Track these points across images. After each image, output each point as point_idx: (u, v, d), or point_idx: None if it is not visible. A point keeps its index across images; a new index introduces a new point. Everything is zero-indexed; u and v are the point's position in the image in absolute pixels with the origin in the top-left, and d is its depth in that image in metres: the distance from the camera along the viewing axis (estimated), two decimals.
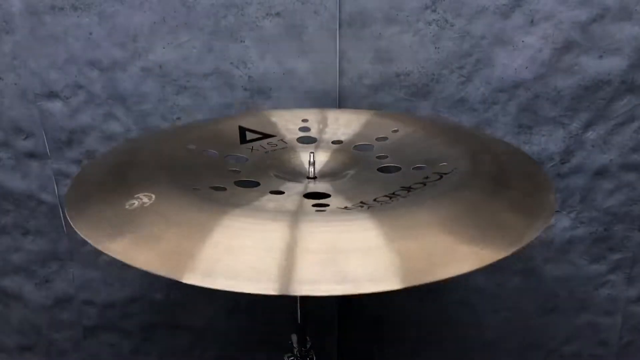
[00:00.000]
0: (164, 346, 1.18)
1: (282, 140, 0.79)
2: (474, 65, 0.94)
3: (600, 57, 0.93)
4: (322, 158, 0.75)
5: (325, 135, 0.81)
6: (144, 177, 0.61)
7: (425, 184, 0.62)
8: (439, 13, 0.91)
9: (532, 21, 0.91)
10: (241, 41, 0.94)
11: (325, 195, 0.62)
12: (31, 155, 1.03)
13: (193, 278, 0.46)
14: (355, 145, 0.78)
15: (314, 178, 0.70)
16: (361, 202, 0.58)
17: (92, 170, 0.68)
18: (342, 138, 0.80)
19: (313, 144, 0.79)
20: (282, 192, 0.63)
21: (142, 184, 0.59)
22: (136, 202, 0.55)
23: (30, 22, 0.93)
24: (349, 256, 0.47)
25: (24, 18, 0.92)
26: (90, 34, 0.93)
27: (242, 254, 0.48)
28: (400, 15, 0.92)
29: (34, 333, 1.19)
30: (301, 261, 0.47)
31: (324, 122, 0.83)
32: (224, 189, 0.62)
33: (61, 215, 1.07)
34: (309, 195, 0.62)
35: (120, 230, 0.52)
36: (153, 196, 0.56)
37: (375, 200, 0.59)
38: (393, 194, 0.60)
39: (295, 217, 0.53)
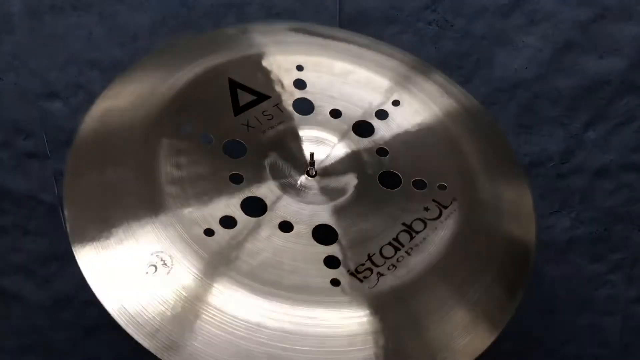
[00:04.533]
0: None
1: (277, 107, 0.73)
2: (474, 65, 0.94)
3: (600, 57, 0.93)
4: (319, 154, 0.73)
5: (322, 100, 0.75)
6: (148, 221, 0.60)
7: (426, 225, 0.64)
8: (439, 13, 0.91)
9: (532, 21, 0.91)
10: None
11: (332, 233, 0.63)
12: (31, 155, 1.03)
13: None
14: (355, 123, 0.74)
15: (314, 175, 0.70)
16: (369, 260, 0.60)
17: (81, 195, 0.63)
18: (340, 107, 0.75)
19: (312, 115, 0.75)
20: (291, 228, 0.63)
21: (151, 235, 0.58)
22: (156, 264, 0.56)
23: (30, 22, 0.93)
24: None
25: (24, 18, 0.92)
26: (90, 34, 0.93)
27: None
28: (400, 15, 0.92)
29: (34, 333, 1.19)
30: None
31: (319, 72, 0.77)
32: (235, 222, 0.62)
33: (61, 215, 1.07)
34: (317, 232, 0.63)
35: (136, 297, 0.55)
36: (171, 260, 0.56)
37: (381, 254, 0.61)
38: (397, 240, 0.63)
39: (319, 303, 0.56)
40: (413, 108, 0.75)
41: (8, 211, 1.07)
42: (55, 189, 1.05)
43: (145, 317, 0.53)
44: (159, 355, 0.51)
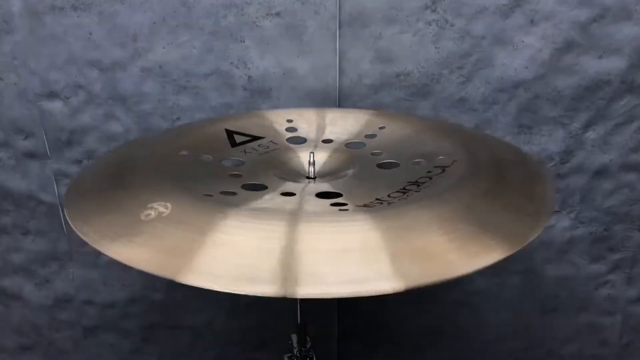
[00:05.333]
0: (164, 346, 1.18)
1: (272, 141, 0.78)
2: (474, 65, 0.94)
3: (600, 57, 0.93)
4: (318, 157, 0.74)
5: (313, 135, 0.81)
6: (148, 183, 0.60)
7: (431, 178, 0.63)
8: (439, 13, 0.91)
9: (532, 21, 0.91)
10: (241, 41, 0.94)
11: (337, 195, 0.62)
12: (31, 155, 1.03)
13: (191, 278, 0.46)
14: (347, 144, 0.78)
15: (314, 178, 0.70)
16: (377, 200, 0.58)
17: (87, 183, 0.66)
18: (332, 137, 0.80)
19: (305, 144, 0.79)
20: (293, 194, 0.62)
21: (150, 192, 0.58)
22: (152, 213, 0.54)
23: (30, 22, 0.93)
24: (377, 257, 0.48)
25: (24, 18, 0.92)
26: (90, 34, 0.93)
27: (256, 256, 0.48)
28: (400, 15, 0.92)
29: (34, 333, 1.19)
30: (310, 261, 0.47)
31: (309, 122, 0.83)
32: (234, 193, 0.62)
33: (61, 215, 1.07)
34: (322, 196, 0.62)
35: (130, 236, 0.52)
36: (169, 205, 0.55)
37: (389, 196, 0.59)
38: (404, 189, 0.61)
39: (321, 217, 0.53)
40: (398, 127, 0.79)
41: (8, 211, 1.08)
42: (55, 189, 1.05)
43: (149, 250, 0.51)
44: (168, 276, 0.47)
